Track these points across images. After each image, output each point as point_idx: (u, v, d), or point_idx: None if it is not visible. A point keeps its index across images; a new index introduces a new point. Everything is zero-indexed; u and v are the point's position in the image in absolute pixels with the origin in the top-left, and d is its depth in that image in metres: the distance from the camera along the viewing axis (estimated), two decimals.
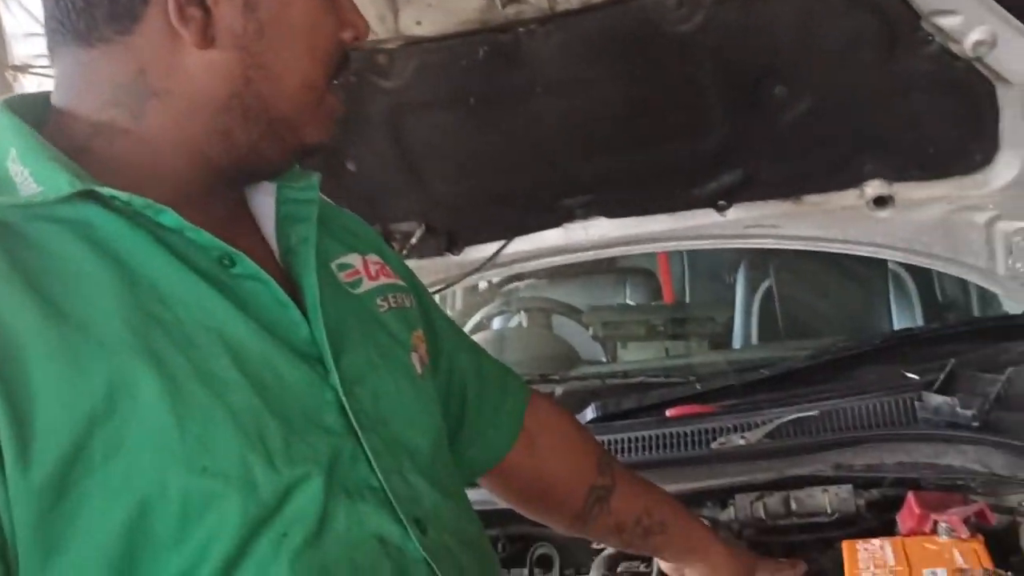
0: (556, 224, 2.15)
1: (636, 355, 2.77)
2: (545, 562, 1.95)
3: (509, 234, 2.17)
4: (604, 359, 2.92)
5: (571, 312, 3.03)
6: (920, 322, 3.04)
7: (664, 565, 1.58)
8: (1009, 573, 1.48)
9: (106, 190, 0.90)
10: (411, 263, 2.22)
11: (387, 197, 2.10)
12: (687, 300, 3.52)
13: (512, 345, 3.03)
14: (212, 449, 0.87)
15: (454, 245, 2.18)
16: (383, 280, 1.14)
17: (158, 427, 0.85)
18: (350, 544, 0.93)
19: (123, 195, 0.90)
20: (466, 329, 3.19)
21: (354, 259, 1.14)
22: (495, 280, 4.07)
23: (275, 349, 0.94)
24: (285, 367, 0.94)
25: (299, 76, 0.97)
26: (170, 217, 0.91)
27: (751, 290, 3.34)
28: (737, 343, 3.17)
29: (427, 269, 2.21)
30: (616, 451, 1.97)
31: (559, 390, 2.22)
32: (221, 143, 0.95)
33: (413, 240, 2.12)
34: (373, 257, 1.16)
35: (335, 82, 1.03)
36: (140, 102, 0.93)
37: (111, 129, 0.94)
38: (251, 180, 1.05)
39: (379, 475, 0.97)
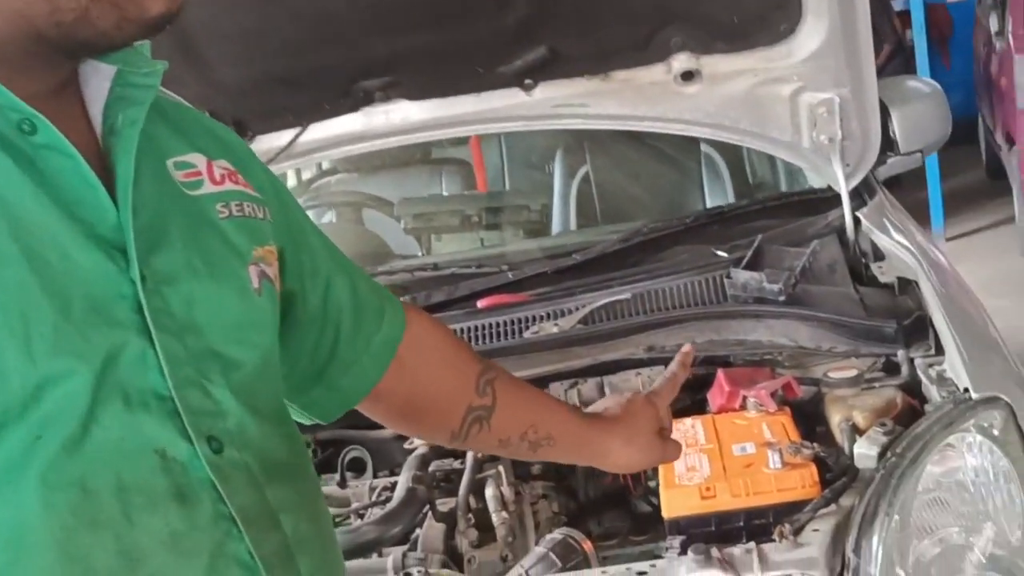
0: (354, 109, 2.01)
1: (451, 247, 2.68)
2: (358, 465, 1.87)
3: (303, 121, 2.01)
4: (420, 253, 2.81)
5: (381, 205, 2.89)
6: (732, 199, 3.07)
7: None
8: (814, 444, 1.49)
9: None
10: None
11: (163, 83, 1.89)
12: (507, 189, 3.44)
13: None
14: None
15: (243, 134, 1.99)
16: (229, 186, 1.02)
17: None
18: (120, 455, 0.83)
19: None
20: None
21: (197, 159, 1.01)
22: (306, 175, 3.89)
23: (69, 230, 0.84)
24: (77, 250, 0.84)
25: None
26: None
27: (568, 176, 3.29)
28: (556, 230, 3.13)
29: None
30: None
31: None
32: (43, 6, 0.84)
33: None
34: (222, 162, 1.03)
35: None
36: None
37: None
38: (85, 52, 0.92)
39: (170, 384, 0.87)
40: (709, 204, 3.09)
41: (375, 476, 1.84)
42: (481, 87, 1.96)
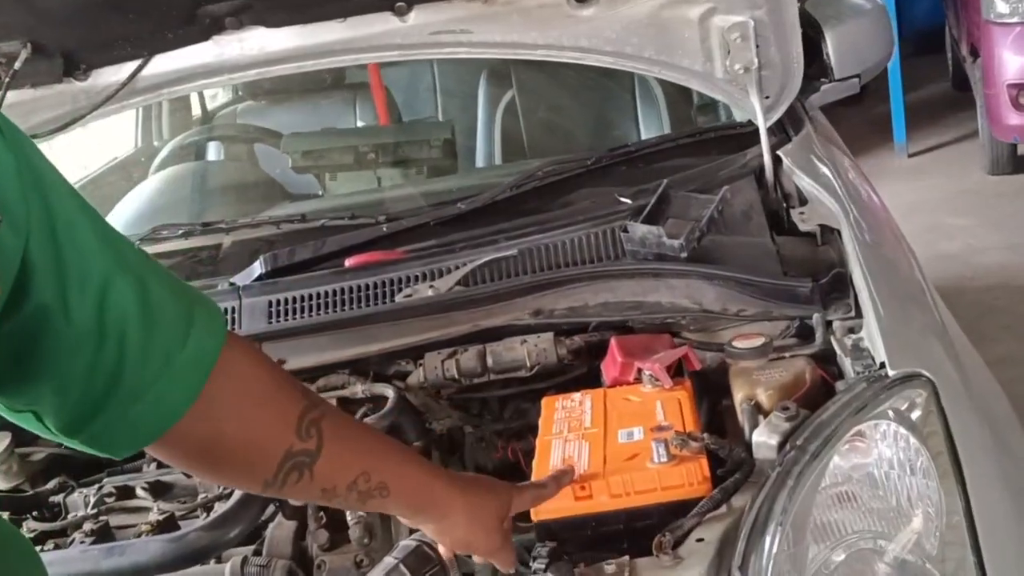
0: (203, 37, 1.75)
1: (348, 187, 2.43)
2: None
3: (144, 52, 1.74)
4: (320, 194, 2.56)
5: (274, 139, 2.63)
6: (668, 130, 2.83)
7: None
8: (704, 435, 1.28)
9: None
10: (24, 94, 1.79)
11: None
12: (439, 119, 3.17)
13: (213, 179, 2.62)
14: None
15: (75, 68, 1.75)
16: None
17: None
18: None
19: None
20: (160, 158, 2.73)
21: None
22: (218, 102, 3.60)
23: None
24: None
25: None
26: None
27: (492, 104, 3.03)
28: (480, 164, 2.88)
29: (46, 101, 1.77)
30: (287, 312, 1.66)
31: (228, 240, 1.86)
32: None
33: (17, 64, 1.67)
34: None
35: None
36: None
37: None
38: None
39: None
40: (644, 133, 2.87)
41: None
42: (347, 11, 1.70)
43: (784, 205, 1.76)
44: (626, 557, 1.18)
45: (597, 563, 1.18)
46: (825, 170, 1.82)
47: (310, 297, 1.65)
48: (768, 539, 1.12)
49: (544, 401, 1.51)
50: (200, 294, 1.01)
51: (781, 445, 1.25)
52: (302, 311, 1.64)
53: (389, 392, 1.56)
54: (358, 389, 1.57)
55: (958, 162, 6.27)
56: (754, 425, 1.32)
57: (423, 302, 1.61)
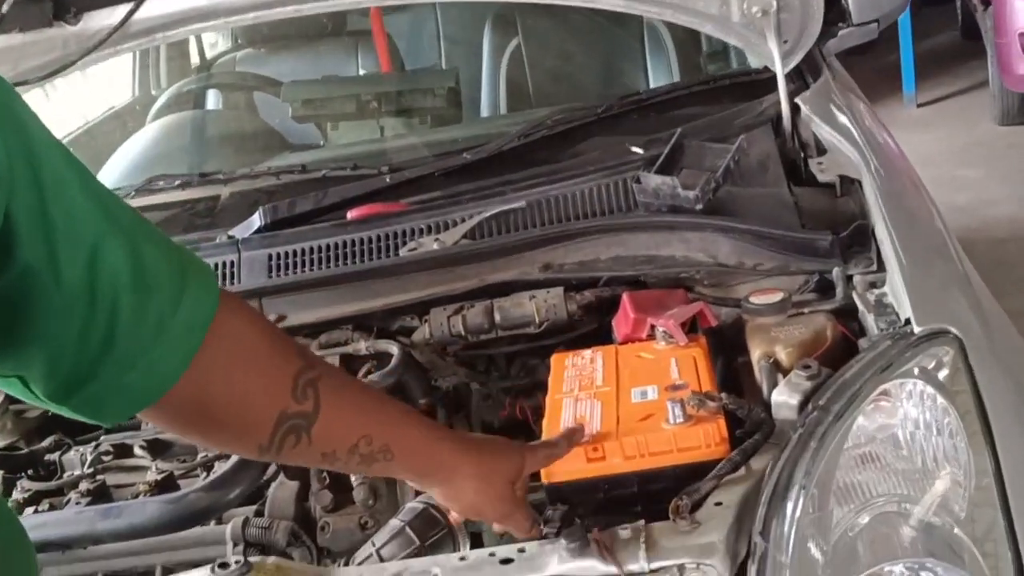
0: None
1: (351, 137, 2.36)
2: None
3: None
4: (321, 143, 2.49)
5: (269, 87, 2.55)
6: (677, 78, 2.75)
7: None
8: (723, 395, 1.23)
9: None
10: (12, 39, 1.71)
11: None
12: (443, 66, 3.10)
13: (211, 128, 2.56)
14: None
15: (65, 12, 1.68)
16: None
17: None
18: None
19: None
20: (157, 106, 2.66)
21: None
22: (215, 50, 3.52)
23: None
24: None
25: None
26: None
27: (497, 51, 2.95)
28: (485, 113, 2.81)
29: (36, 46, 1.70)
30: (287, 266, 1.61)
31: (226, 191, 1.80)
32: None
33: (4, 7, 1.59)
34: None
35: None
36: None
37: None
38: None
39: None
40: (653, 82, 2.79)
41: None
42: None
43: (802, 155, 1.70)
44: (641, 521, 1.14)
45: (611, 527, 1.14)
46: (844, 119, 1.76)
47: (311, 250, 1.60)
48: (790, 504, 1.08)
49: (554, 358, 1.46)
50: (192, 255, 0.96)
51: (802, 405, 1.20)
52: (303, 265, 1.59)
53: (393, 349, 1.51)
54: (361, 346, 1.53)
55: (967, 112, 6.19)
56: (773, 384, 1.28)
57: (428, 256, 1.56)
